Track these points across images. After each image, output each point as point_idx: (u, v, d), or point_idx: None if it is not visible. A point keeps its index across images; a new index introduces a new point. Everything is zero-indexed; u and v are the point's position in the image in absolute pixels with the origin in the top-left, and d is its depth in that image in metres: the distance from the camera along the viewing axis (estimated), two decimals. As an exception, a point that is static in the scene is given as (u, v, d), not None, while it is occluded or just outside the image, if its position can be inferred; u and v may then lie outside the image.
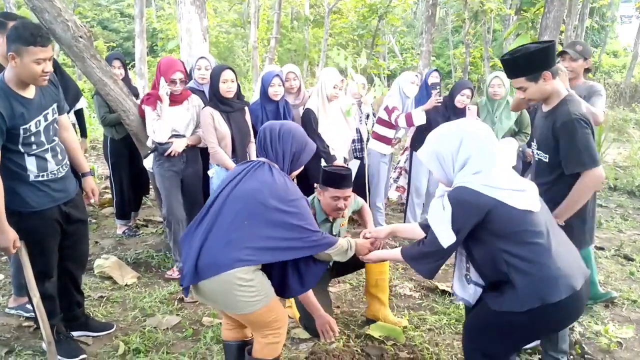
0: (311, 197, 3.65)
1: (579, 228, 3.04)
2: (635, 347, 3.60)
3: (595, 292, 4.17)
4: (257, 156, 2.82)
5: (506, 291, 2.33)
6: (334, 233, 3.60)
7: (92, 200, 3.59)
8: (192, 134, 4.59)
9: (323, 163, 5.22)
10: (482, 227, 2.30)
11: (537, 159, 3.12)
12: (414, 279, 4.73)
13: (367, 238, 3.13)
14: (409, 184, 5.87)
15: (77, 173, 3.48)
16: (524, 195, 2.31)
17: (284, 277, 2.71)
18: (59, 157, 3.16)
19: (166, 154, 4.43)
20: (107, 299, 4.21)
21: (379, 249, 3.13)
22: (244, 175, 2.65)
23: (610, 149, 10.23)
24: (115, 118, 5.05)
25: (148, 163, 4.63)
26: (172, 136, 4.46)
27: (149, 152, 4.60)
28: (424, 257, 2.48)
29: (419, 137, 5.55)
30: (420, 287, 4.52)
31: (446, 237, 2.34)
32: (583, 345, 3.47)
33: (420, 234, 2.92)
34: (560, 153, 2.89)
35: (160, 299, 4.23)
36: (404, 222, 5.89)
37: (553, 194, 2.91)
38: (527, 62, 2.74)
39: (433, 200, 2.49)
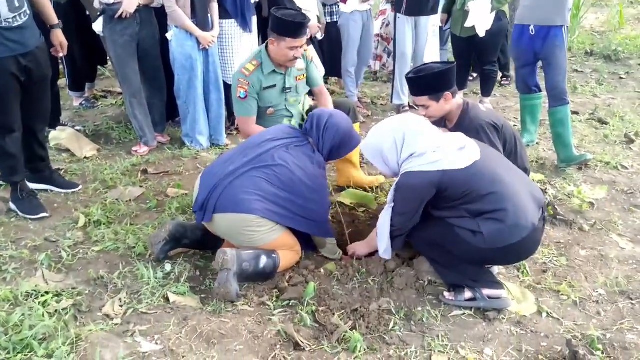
0: (256, 50, 3.42)
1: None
2: (607, 207, 3.58)
3: (570, 155, 4.09)
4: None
5: (472, 229, 2.44)
6: (288, 86, 3.40)
7: (60, 54, 3.53)
8: (142, -9, 4.14)
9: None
10: (439, 197, 2.47)
11: None
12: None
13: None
14: (394, 51, 5.47)
15: (44, 26, 3.38)
16: (462, 153, 2.46)
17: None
18: (16, 3, 3.00)
19: (117, 16, 4.03)
20: (66, 171, 4.00)
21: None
22: (290, 144, 2.78)
23: (588, 14, 9.88)
24: (57, -21, 4.51)
25: (98, 27, 4.22)
26: (121, -5, 4.03)
27: (98, 14, 4.18)
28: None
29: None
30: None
31: (383, 248, 2.66)
32: (556, 206, 3.43)
33: None
34: None
35: (122, 171, 4.04)
36: (392, 92, 5.55)
37: None
38: (431, 83, 2.86)
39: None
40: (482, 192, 2.41)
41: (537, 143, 4.64)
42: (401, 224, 2.57)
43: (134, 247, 2.99)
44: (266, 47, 3.33)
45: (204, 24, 4.24)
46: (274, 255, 2.69)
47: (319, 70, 3.60)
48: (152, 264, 2.82)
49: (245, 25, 4.52)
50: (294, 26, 3.16)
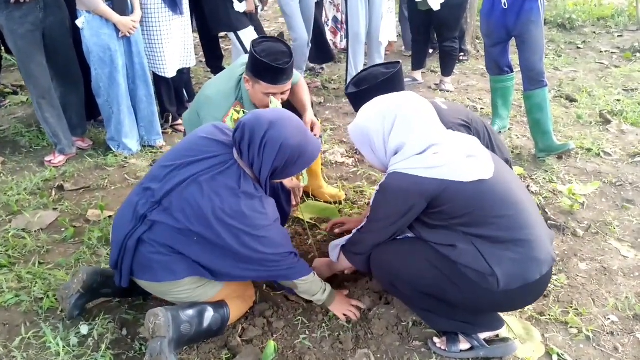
0: (233, 83, 2.65)
1: None
2: (597, 205, 3.17)
3: (550, 144, 3.66)
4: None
5: (480, 269, 1.88)
6: None
7: None
8: (44, -30, 3.41)
9: (236, 4, 4.20)
10: (435, 212, 1.93)
11: None
12: (345, 141, 4.05)
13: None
14: (346, 31, 4.88)
15: None
16: (471, 162, 1.92)
17: None
18: None
19: (14, 0, 3.29)
20: (-41, 194, 3.28)
21: None
22: (206, 172, 1.97)
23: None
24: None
25: (-10, 14, 3.47)
26: (18, -26, 3.31)
27: (-10, -2, 3.43)
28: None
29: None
30: (353, 152, 3.84)
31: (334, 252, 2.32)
32: (546, 210, 3.00)
33: None
34: None
35: (31, 189, 3.35)
36: (346, 76, 5.02)
37: None
38: (377, 94, 2.16)
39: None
40: (492, 213, 1.88)
41: (509, 129, 4.20)
42: (368, 233, 2.09)
43: (42, 299, 2.36)
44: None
45: (122, 6, 3.54)
46: (221, 308, 2.11)
47: None
48: (63, 324, 2.21)
49: (174, 6, 3.84)
50: (272, 71, 2.45)
